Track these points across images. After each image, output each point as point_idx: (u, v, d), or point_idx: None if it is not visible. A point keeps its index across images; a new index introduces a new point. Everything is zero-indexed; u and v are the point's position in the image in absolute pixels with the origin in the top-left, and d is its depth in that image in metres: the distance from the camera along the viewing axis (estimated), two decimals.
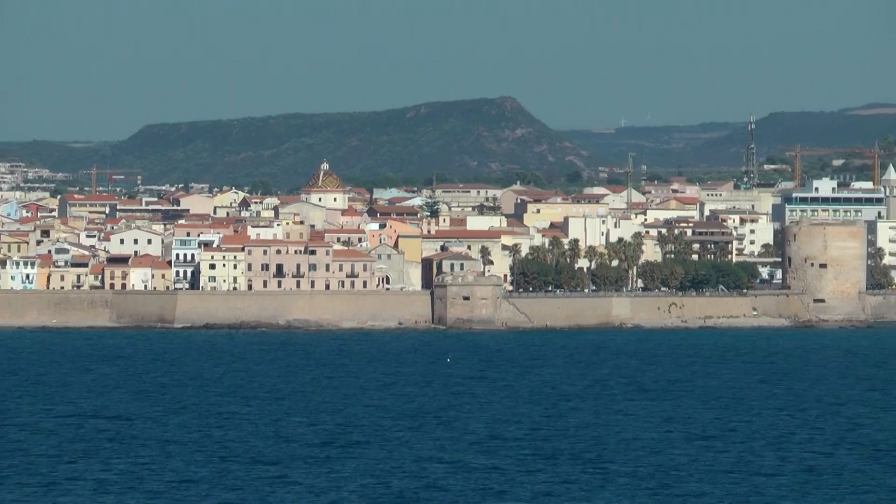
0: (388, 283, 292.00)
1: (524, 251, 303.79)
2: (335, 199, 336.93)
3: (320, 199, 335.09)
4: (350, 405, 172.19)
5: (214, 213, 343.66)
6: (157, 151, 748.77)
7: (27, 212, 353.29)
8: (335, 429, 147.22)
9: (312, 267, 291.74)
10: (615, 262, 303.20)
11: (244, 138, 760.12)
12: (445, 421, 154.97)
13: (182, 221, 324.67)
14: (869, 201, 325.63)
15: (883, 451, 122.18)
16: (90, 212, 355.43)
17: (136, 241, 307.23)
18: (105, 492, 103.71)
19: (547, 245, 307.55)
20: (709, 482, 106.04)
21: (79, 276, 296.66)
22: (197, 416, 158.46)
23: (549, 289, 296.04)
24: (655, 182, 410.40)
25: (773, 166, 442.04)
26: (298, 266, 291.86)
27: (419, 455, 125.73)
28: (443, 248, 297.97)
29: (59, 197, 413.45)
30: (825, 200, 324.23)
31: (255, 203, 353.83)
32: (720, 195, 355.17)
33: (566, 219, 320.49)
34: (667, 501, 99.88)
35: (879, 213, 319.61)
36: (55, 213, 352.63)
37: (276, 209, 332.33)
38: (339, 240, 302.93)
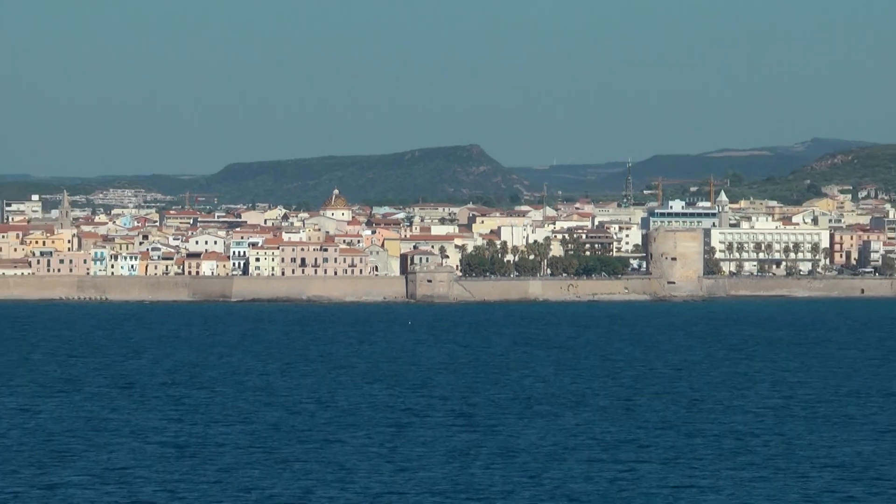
0: (377, 270, 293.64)
1: (470, 249, 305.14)
2: (343, 214, 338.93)
3: (332, 214, 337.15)
4: (336, 352, 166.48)
5: (265, 223, 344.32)
6: (236, 181, 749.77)
7: (137, 223, 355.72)
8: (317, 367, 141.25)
9: (325, 260, 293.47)
10: (532, 257, 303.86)
11: (296, 172, 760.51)
12: (396, 360, 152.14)
13: (238, 229, 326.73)
14: (706, 215, 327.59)
15: (695, 391, 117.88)
16: (180, 223, 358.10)
17: (206, 242, 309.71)
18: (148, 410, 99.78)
19: (486, 245, 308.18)
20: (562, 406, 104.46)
21: (167, 266, 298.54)
22: (234, 358, 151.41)
23: (487, 275, 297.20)
24: (565, 202, 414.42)
25: (649, 191, 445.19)
26: (316, 259, 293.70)
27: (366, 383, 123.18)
28: (414, 247, 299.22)
29: (160, 213, 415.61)
30: (676, 214, 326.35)
31: (293, 217, 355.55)
32: (608, 211, 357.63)
33: (499, 227, 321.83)
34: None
35: (714, 223, 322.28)
36: (157, 224, 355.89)
37: (304, 221, 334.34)
38: (344, 241, 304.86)
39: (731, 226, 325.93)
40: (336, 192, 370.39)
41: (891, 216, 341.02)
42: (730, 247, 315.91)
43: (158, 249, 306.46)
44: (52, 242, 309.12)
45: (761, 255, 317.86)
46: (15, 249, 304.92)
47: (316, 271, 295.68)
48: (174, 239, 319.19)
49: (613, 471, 78.94)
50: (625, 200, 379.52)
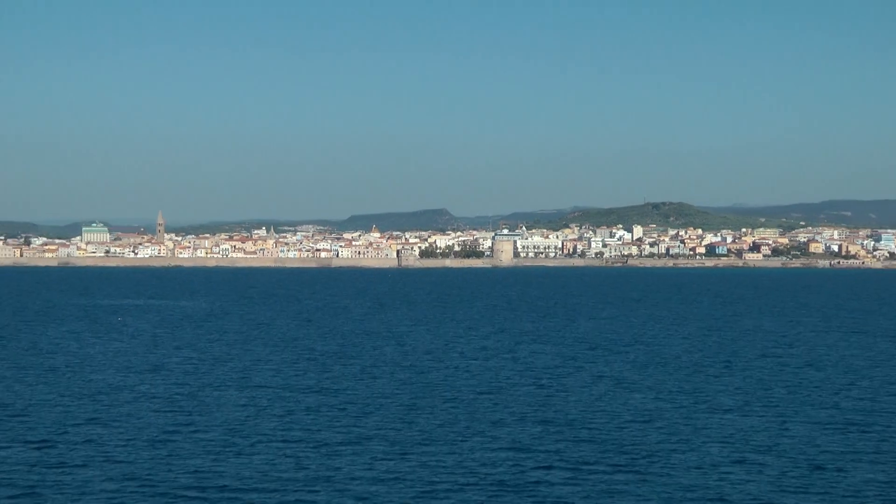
0: (386, 256, 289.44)
1: (424, 247, 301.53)
2: (377, 234, 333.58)
3: (372, 234, 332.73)
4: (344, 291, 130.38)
5: (349, 238, 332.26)
6: (353, 223, 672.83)
7: (304, 237, 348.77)
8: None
9: (367, 252, 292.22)
10: (447, 251, 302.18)
11: (376, 219, 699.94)
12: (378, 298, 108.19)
13: (338, 240, 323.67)
14: (517, 235, 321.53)
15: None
16: (317, 238, 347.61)
17: (323, 244, 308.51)
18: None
19: (429, 245, 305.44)
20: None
21: (308, 254, 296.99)
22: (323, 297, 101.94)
23: (429, 257, 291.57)
24: (466, 231, 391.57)
25: (505, 226, 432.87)
26: (364, 251, 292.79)
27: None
28: (402, 247, 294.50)
29: (313, 235, 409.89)
30: (504, 235, 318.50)
31: (362, 235, 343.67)
32: (481, 234, 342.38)
33: (436, 239, 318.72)
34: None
35: (518, 238, 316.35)
36: (309, 238, 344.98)
37: (363, 237, 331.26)
38: (375, 245, 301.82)
39: (525, 239, 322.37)
40: (374, 227, 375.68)
41: (587, 236, 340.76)
42: (524, 247, 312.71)
43: (304, 247, 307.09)
44: (265, 244, 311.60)
45: (536, 250, 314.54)
46: (250, 248, 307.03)
47: (364, 256, 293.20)
48: (312, 243, 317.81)
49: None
50: (488, 229, 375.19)
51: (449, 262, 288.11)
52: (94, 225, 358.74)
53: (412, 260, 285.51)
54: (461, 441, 23.23)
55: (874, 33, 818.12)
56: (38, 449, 22.17)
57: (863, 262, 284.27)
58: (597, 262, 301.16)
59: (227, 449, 22.29)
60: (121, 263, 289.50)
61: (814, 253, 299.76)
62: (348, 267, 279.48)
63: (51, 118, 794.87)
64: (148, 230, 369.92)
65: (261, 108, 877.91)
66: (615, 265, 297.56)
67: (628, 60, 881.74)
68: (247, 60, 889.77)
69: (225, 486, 18.75)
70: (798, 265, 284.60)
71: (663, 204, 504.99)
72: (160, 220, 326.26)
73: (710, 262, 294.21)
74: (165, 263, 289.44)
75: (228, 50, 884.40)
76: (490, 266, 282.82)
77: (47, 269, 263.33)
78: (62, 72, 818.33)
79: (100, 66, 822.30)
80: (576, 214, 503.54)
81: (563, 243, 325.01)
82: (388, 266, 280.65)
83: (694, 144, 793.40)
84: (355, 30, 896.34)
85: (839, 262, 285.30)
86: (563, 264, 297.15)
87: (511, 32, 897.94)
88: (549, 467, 20.45)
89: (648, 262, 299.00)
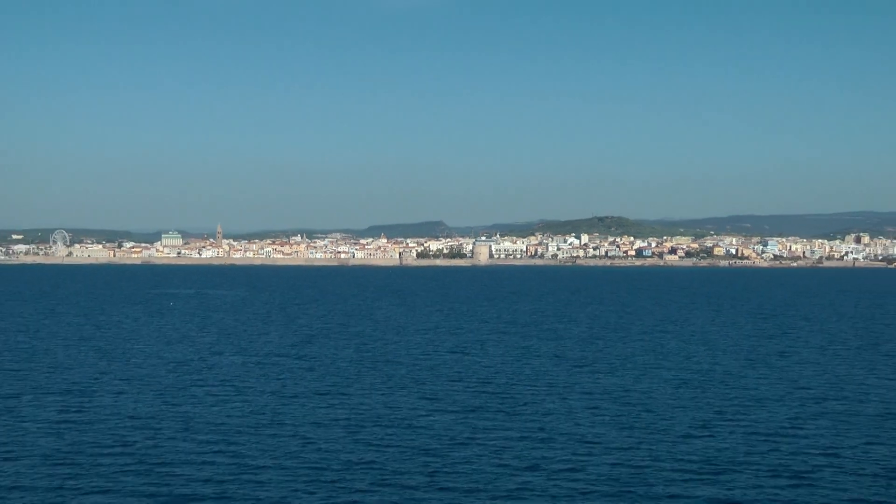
0: (391, 257, 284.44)
1: (420, 250, 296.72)
2: (384, 240, 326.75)
3: (380, 240, 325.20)
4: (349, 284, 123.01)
5: (362, 243, 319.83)
6: (372, 231, 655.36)
7: (329, 242, 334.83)
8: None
9: (376, 253, 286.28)
10: (438, 253, 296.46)
11: (386, 229, 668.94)
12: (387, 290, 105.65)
13: (354, 244, 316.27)
14: (491, 241, 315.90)
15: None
16: (340, 242, 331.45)
17: (342, 247, 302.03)
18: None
19: (424, 248, 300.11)
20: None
21: (330, 255, 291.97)
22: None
23: (424, 258, 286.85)
24: (455, 238, 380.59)
25: (484, 234, 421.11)
26: (374, 253, 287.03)
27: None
28: (403, 249, 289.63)
29: (336, 240, 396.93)
30: (482, 240, 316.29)
31: (372, 241, 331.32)
32: (465, 240, 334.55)
33: (429, 244, 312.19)
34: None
35: (492, 243, 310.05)
36: (334, 242, 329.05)
37: (374, 242, 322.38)
38: (382, 248, 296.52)
39: (498, 244, 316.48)
40: (382, 234, 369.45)
41: (546, 241, 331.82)
42: (497, 250, 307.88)
43: (328, 250, 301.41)
44: (298, 248, 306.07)
45: (506, 252, 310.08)
46: (287, 250, 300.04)
47: (373, 256, 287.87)
48: (335, 247, 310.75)
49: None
50: (471, 236, 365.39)
51: (439, 262, 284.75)
52: (171, 232, 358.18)
53: (410, 260, 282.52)
54: (389, 394, 23.45)
55: (773, 80, 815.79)
56: (76, 397, 22.59)
57: (753, 263, 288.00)
58: (553, 262, 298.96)
59: (210, 398, 22.68)
60: (188, 262, 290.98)
61: (717, 255, 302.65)
62: (361, 265, 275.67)
63: (147, 149, 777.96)
64: (210, 237, 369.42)
65: (302, 141, 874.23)
66: (566, 264, 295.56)
67: (584, 105, 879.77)
68: (289, 104, 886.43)
69: (197, 422, 19.48)
70: (705, 265, 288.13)
71: (607, 217, 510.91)
72: (219, 230, 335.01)
73: (638, 262, 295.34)
74: (222, 262, 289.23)
75: (275, 96, 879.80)
76: (470, 265, 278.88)
77: (133, 266, 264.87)
78: (158, 114, 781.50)
79: (178, 113, 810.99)
80: (541, 225, 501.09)
81: (527, 247, 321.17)
82: (391, 265, 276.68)
83: (634, 171, 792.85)
84: (374, 82, 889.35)
85: (735, 262, 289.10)
86: (526, 263, 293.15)
87: (493, 86, 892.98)
88: (449, 412, 20.73)
89: (592, 262, 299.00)
